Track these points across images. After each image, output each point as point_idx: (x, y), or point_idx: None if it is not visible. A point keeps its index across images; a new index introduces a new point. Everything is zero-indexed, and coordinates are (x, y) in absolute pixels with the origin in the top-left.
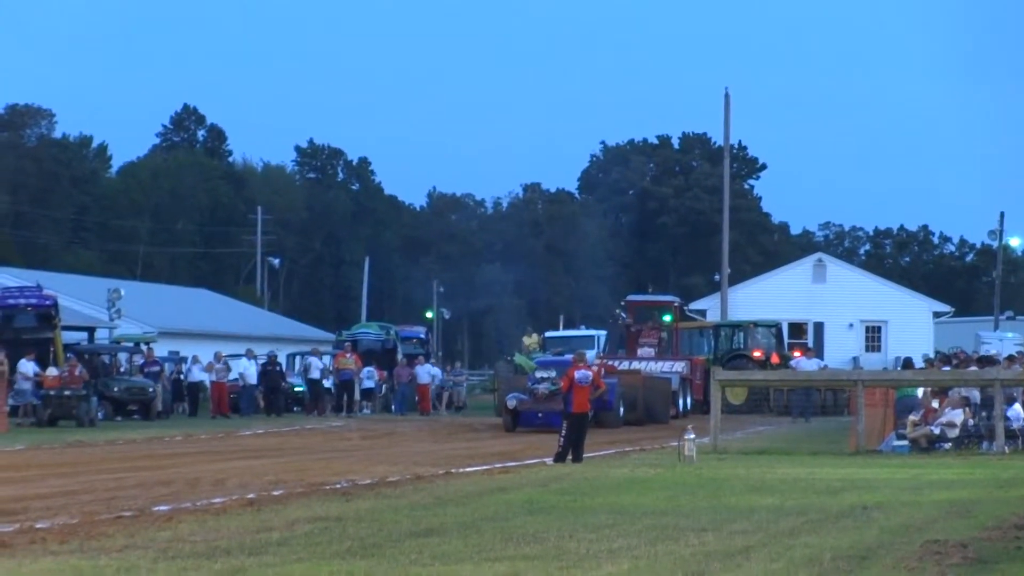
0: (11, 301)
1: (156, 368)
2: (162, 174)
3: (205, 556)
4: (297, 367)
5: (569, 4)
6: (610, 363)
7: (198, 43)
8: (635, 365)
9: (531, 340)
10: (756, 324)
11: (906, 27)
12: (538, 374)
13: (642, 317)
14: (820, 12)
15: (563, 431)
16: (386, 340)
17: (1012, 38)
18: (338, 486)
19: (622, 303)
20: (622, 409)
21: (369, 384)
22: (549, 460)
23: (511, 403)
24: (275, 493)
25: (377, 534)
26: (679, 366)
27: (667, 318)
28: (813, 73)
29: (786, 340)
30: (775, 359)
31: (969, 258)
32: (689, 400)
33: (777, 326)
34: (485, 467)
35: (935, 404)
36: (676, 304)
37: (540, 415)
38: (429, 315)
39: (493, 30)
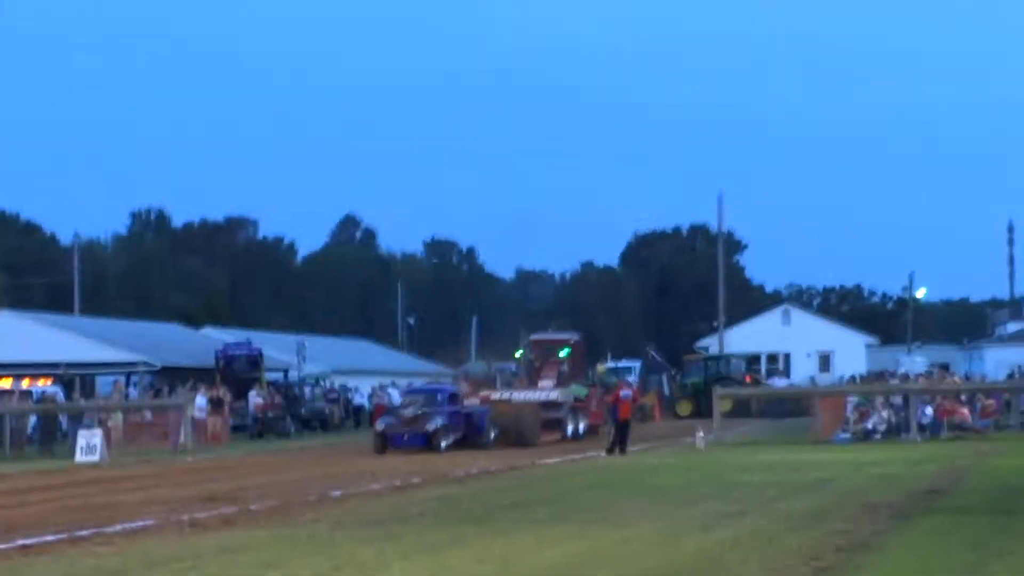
0: (231, 352)
1: (335, 396)
2: (333, 261)
3: (367, 525)
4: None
5: (611, 135)
6: (484, 394)
7: (358, 163)
8: (506, 395)
9: (602, 368)
10: (732, 356)
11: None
12: (404, 400)
13: (545, 353)
14: (790, 133)
15: (610, 432)
16: (488, 372)
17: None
18: (457, 474)
19: (527, 342)
20: (492, 433)
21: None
22: (603, 453)
23: (379, 426)
24: (414, 480)
25: (483, 507)
26: (558, 394)
27: (564, 353)
28: (784, 177)
29: (764, 365)
30: (748, 379)
31: (889, 305)
32: (582, 425)
33: (748, 357)
34: (560, 459)
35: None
36: (574, 340)
37: (405, 437)
38: (517, 355)
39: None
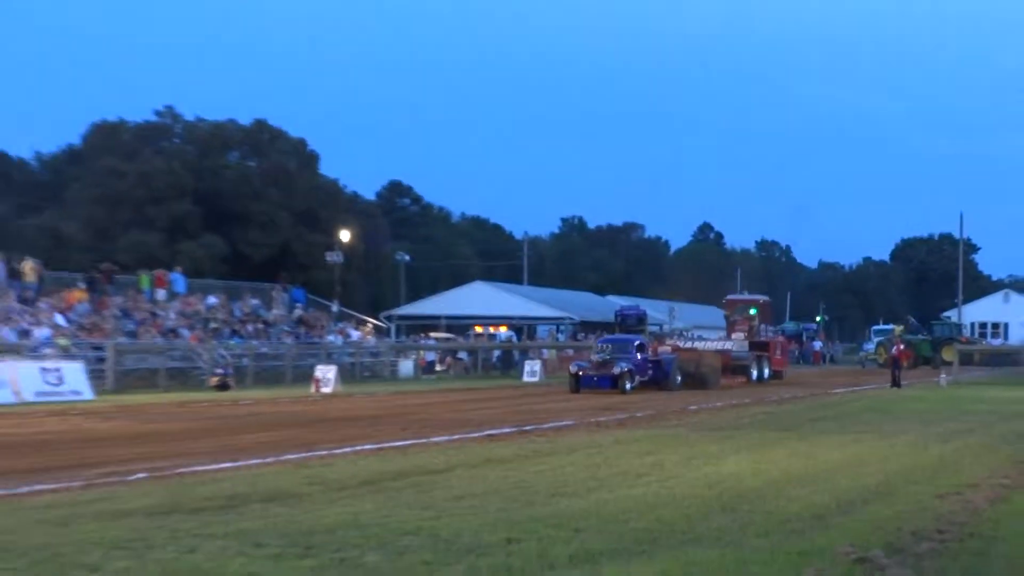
0: (625, 312)
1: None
2: (693, 254)
3: (713, 429)
4: None
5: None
6: (672, 342)
7: (714, 185)
8: (690, 344)
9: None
10: (953, 323)
11: None
12: (597, 347)
13: (738, 311)
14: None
15: (892, 372)
16: (797, 330)
17: None
18: (772, 399)
19: (723, 300)
20: (679, 377)
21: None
22: (886, 385)
23: (573, 369)
24: (745, 401)
25: (792, 421)
26: (735, 345)
27: (753, 311)
28: (1009, 196)
29: (989, 331)
30: (964, 340)
31: None
32: (767, 371)
33: (960, 325)
34: (847, 389)
35: None
36: (762, 301)
37: (595, 379)
38: (817, 319)
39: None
